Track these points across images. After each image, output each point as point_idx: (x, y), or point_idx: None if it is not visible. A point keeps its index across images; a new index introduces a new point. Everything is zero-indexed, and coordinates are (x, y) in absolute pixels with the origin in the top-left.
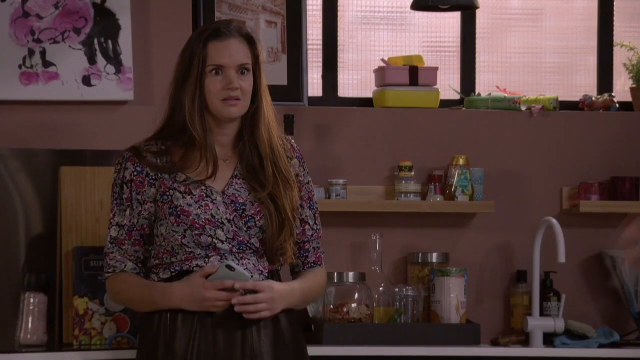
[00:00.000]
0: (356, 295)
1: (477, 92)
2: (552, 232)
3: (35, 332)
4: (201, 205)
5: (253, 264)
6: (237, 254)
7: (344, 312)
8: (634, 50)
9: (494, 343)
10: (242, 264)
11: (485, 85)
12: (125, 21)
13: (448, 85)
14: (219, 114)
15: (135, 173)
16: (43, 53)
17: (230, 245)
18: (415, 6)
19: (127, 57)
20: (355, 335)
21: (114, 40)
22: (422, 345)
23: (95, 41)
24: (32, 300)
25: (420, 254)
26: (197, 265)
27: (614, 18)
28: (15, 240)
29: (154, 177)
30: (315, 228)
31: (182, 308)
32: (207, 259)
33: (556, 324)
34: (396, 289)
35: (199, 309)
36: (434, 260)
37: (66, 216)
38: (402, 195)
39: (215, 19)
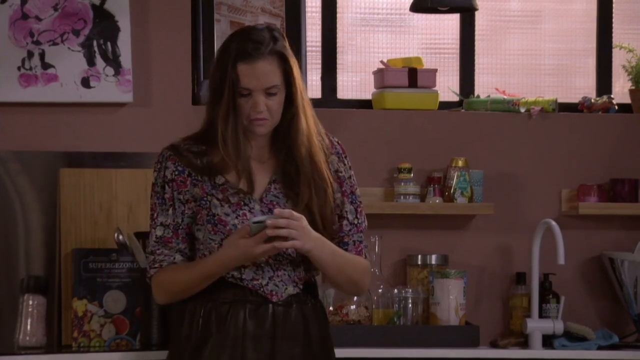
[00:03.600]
0: (355, 297)
1: (476, 94)
2: (552, 234)
3: (34, 334)
4: (238, 215)
5: (288, 274)
6: (273, 265)
7: (343, 314)
8: (633, 52)
9: (493, 345)
10: (278, 275)
11: (485, 87)
12: (124, 23)
13: (447, 88)
14: (251, 132)
15: (176, 172)
16: (42, 55)
17: (266, 256)
18: (414, 8)
19: (126, 59)
20: (354, 337)
21: (113, 42)
22: (421, 347)
23: (95, 43)
24: (31, 302)
25: (419, 256)
26: (232, 275)
27: (613, 20)
28: (14, 242)
29: (195, 177)
30: (356, 222)
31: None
32: (243, 269)
33: (555, 326)
34: (395, 291)
35: (253, 263)
36: (433, 262)
37: (65, 218)
38: (402, 197)
39: (215, 21)
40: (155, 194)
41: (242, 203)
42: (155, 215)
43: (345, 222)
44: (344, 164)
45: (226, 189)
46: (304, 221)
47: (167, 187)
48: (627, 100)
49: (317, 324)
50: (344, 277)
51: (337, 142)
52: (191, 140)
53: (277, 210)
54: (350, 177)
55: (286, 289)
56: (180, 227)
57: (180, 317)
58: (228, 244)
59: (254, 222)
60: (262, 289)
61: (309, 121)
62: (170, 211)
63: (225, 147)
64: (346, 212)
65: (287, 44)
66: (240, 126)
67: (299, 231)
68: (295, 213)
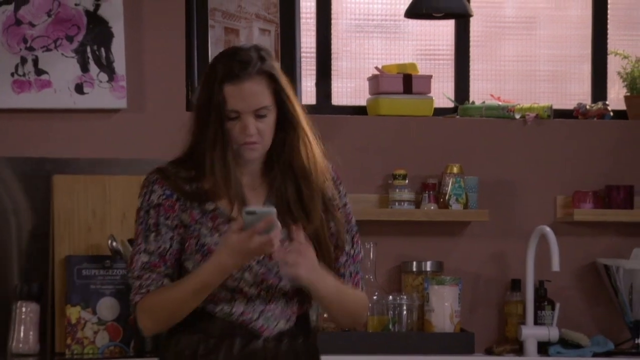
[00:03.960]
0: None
1: (471, 101)
2: (546, 241)
3: (27, 342)
4: None
5: (281, 307)
6: (264, 298)
7: None
8: (628, 58)
9: (488, 352)
10: (269, 309)
11: (480, 93)
12: (118, 29)
13: (442, 94)
14: (242, 156)
15: (164, 197)
16: (36, 61)
17: (258, 289)
18: (409, 14)
19: (120, 65)
20: (349, 344)
21: (106, 48)
22: (416, 354)
23: (88, 49)
24: (24, 309)
25: (414, 263)
26: (221, 309)
27: (608, 26)
28: (7, 248)
29: (184, 203)
30: (352, 253)
31: (237, 268)
32: (233, 302)
33: (550, 333)
34: (390, 298)
35: (251, 259)
36: (428, 269)
37: (59, 225)
38: (396, 204)
39: (209, 27)
40: (140, 219)
41: None
42: (139, 241)
43: (341, 252)
44: (339, 191)
45: (216, 217)
46: (311, 250)
47: (152, 211)
48: (622, 106)
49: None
50: (344, 312)
51: (332, 168)
52: (179, 164)
53: (295, 230)
54: (345, 205)
55: (277, 324)
56: (168, 252)
57: (165, 349)
58: (221, 243)
59: (247, 212)
60: (252, 324)
61: (310, 139)
62: (152, 237)
63: (213, 175)
64: (342, 241)
65: (276, 64)
66: (230, 152)
67: (305, 261)
68: (303, 238)
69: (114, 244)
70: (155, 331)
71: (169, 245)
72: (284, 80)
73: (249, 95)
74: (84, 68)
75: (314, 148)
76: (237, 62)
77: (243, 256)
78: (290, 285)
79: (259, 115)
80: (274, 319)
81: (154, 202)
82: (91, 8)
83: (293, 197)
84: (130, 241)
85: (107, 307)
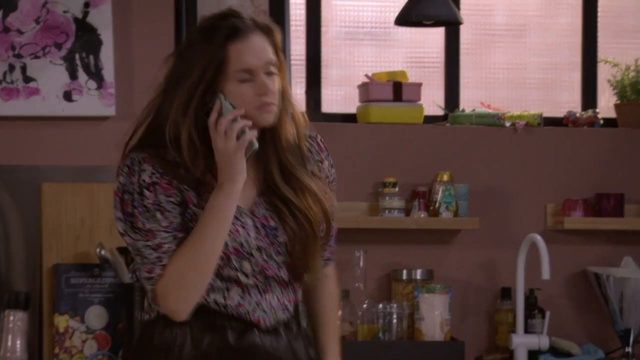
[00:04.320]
0: (339, 312)
1: (461, 108)
2: (537, 249)
3: (14, 351)
4: (231, 232)
5: (277, 297)
6: (260, 288)
7: None
8: (618, 66)
9: None
10: (265, 299)
11: (470, 101)
12: (106, 36)
13: (432, 101)
14: (255, 124)
15: (157, 175)
16: (24, 68)
17: (255, 280)
18: (399, 22)
19: (108, 73)
20: None
21: (95, 55)
22: None
23: (77, 56)
24: (12, 317)
25: (404, 271)
26: (214, 300)
27: (599, 34)
28: None
29: (178, 184)
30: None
31: (239, 178)
32: (226, 292)
33: (541, 341)
34: (380, 306)
35: (241, 151)
36: (418, 277)
37: (47, 233)
38: (386, 212)
39: None
40: (131, 203)
41: (234, 216)
42: (140, 223)
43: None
44: (332, 166)
45: None
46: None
47: (146, 192)
48: (612, 114)
49: (305, 352)
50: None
51: (321, 140)
52: (154, 147)
53: None
54: (334, 180)
55: (275, 314)
56: (177, 229)
57: (145, 340)
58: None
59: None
60: (248, 316)
61: (297, 111)
62: (158, 215)
63: (192, 158)
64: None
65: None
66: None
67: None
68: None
69: (103, 252)
70: (185, 307)
71: (178, 220)
72: (279, 38)
73: (260, 49)
74: (73, 75)
75: (301, 123)
76: (236, 19)
77: (229, 163)
78: (287, 274)
79: (268, 72)
80: (271, 310)
81: (146, 182)
82: (80, 15)
83: (278, 176)
84: (120, 249)
85: (96, 315)
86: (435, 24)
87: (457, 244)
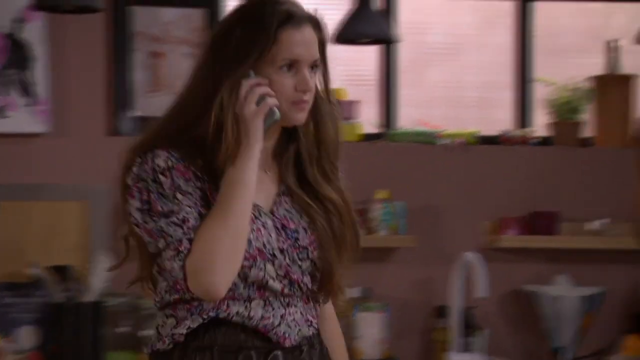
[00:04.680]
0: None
1: (399, 126)
2: (473, 267)
3: None
4: (253, 230)
5: (300, 312)
6: (287, 297)
7: None
8: (554, 84)
9: None
10: (290, 313)
11: (408, 118)
12: (41, 53)
13: (370, 119)
14: (284, 120)
15: (173, 159)
16: None
17: (281, 285)
18: (337, 40)
19: (42, 89)
20: None
21: (29, 71)
22: None
23: (10, 72)
24: None
25: None
26: (237, 312)
27: (535, 53)
28: None
29: (196, 173)
30: None
31: (256, 145)
32: (248, 303)
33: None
34: None
35: (260, 117)
36: (356, 295)
37: None
38: None
39: (133, 51)
40: (147, 188)
41: (254, 216)
42: (158, 207)
43: None
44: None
45: None
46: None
47: (161, 177)
48: (548, 133)
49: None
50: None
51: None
52: (173, 147)
53: None
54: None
55: (299, 330)
56: (204, 206)
57: None
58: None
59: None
60: (273, 331)
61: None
62: (179, 196)
63: (229, 145)
64: None
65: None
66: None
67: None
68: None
69: (35, 270)
70: (223, 278)
71: (201, 204)
72: (327, 37)
73: (310, 42)
74: (6, 91)
75: (339, 124)
76: (294, 7)
77: (246, 126)
78: (311, 283)
79: (312, 67)
80: (295, 325)
81: (161, 167)
82: (12, 31)
83: (314, 181)
84: (53, 268)
85: (27, 335)
86: (373, 42)
87: (394, 262)
